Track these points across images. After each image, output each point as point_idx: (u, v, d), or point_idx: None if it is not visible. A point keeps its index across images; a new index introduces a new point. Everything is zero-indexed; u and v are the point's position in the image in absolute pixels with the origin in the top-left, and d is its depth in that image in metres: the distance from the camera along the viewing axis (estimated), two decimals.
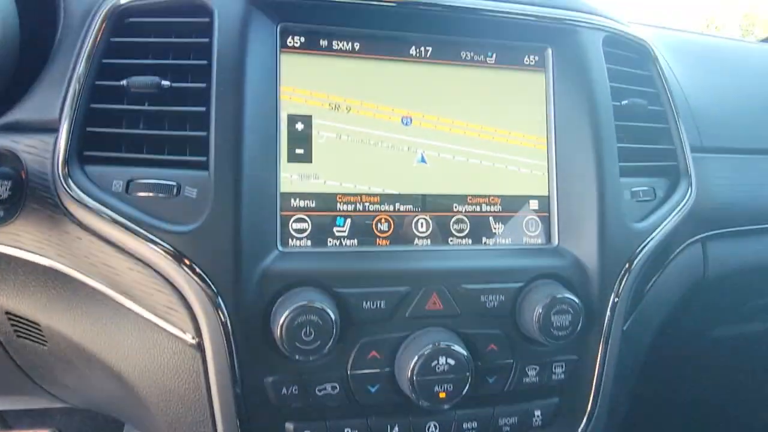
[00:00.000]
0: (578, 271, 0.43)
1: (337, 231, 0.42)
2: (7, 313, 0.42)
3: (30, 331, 0.43)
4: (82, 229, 0.37)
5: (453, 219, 0.44)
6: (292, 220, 0.41)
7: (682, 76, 0.57)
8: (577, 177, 0.45)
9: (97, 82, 0.39)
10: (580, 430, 0.44)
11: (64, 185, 0.37)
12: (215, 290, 0.36)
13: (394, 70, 0.44)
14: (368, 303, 0.39)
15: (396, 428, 0.40)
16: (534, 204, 0.46)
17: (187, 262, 0.36)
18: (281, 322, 0.35)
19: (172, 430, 0.39)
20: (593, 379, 0.44)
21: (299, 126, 0.42)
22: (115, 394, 0.44)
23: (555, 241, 0.45)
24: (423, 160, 0.44)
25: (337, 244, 0.41)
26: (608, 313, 0.44)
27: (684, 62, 0.60)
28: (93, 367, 0.41)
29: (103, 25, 0.39)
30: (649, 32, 0.58)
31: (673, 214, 0.47)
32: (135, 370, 0.39)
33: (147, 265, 0.37)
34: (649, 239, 0.45)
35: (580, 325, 0.41)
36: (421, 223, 0.43)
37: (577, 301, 0.41)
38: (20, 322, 0.43)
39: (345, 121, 0.43)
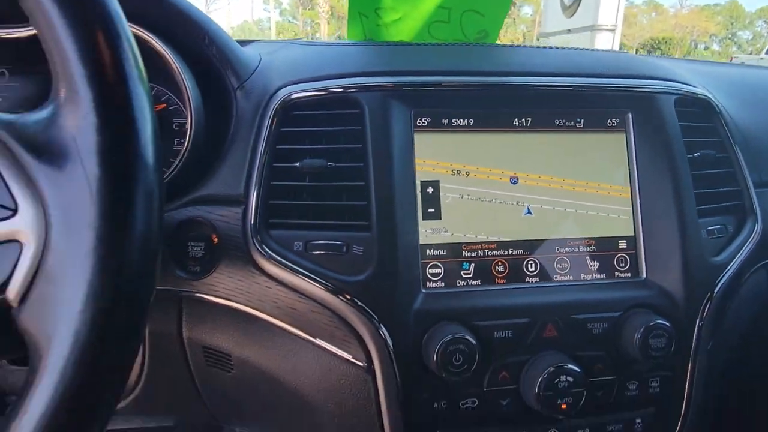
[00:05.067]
0: (667, 301, 0.52)
1: (464, 273, 0.51)
2: (204, 347, 0.53)
3: (220, 360, 0.54)
4: (271, 280, 0.48)
5: (556, 259, 0.53)
6: (428, 266, 0.50)
7: (730, 110, 0.64)
8: (660, 219, 0.53)
9: (275, 164, 0.50)
10: None
11: (257, 246, 0.47)
12: (382, 327, 0.46)
13: (502, 139, 0.54)
14: (498, 333, 0.48)
15: None
16: (623, 243, 0.55)
17: (359, 304, 0.46)
18: (436, 350, 0.45)
19: None
20: (684, 391, 0.52)
21: (430, 190, 0.52)
22: (288, 413, 0.54)
23: (643, 274, 0.54)
24: (529, 212, 0.53)
25: (465, 284, 0.51)
26: (695, 335, 0.52)
27: (727, 95, 0.67)
28: (274, 388, 0.52)
29: (275, 118, 0.50)
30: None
31: (745, 247, 0.55)
32: (314, 389, 0.49)
33: (326, 307, 0.47)
34: (726, 271, 0.53)
35: (673, 346, 0.49)
36: (530, 264, 0.53)
37: (669, 326, 0.49)
38: (213, 354, 0.54)
39: (465, 183, 0.52)
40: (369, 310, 0.46)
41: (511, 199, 0.53)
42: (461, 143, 0.53)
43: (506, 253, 0.52)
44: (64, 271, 0.24)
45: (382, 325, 0.46)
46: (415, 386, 0.47)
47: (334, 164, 0.49)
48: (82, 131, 0.25)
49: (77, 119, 0.25)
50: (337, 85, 0.51)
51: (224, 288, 0.50)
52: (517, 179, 0.54)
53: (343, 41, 0.73)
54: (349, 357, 0.47)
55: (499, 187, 0.53)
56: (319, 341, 0.48)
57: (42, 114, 0.26)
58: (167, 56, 0.49)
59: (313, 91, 0.50)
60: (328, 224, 0.48)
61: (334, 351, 0.48)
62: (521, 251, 0.53)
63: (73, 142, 0.25)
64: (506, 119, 0.54)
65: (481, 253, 0.52)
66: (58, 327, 0.24)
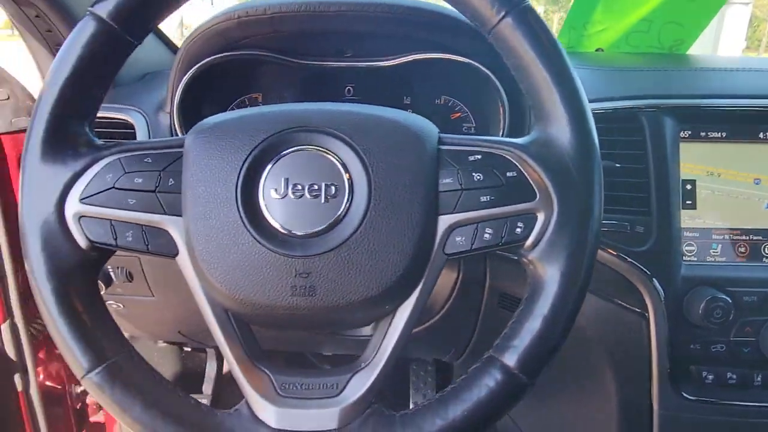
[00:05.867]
0: None
1: (713, 252, 0.67)
2: (501, 293, 0.74)
3: (512, 304, 0.74)
4: None
5: None
6: (685, 244, 0.67)
7: None
8: None
9: None
10: None
11: None
12: (657, 284, 0.64)
13: (748, 148, 0.68)
14: (746, 297, 0.64)
15: (759, 376, 0.65)
16: None
17: (641, 268, 0.64)
18: (702, 305, 0.62)
19: (617, 368, 0.67)
20: None
21: (688, 186, 0.68)
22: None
23: None
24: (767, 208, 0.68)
25: (713, 260, 0.67)
26: None
27: None
28: None
29: None
30: None
31: None
32: (595, 328, 0.68)
33: (612, 268, 0.65)
34: None
35: None
36: (767, 248, 0.67)
37: None
38: (507, 298, 0.74)
39: (716, 182, 0.68)
40: (648, 272, 0.64)
41: (753, 196, 0.68)
42: (715, 150, 0.68)
43: (747, 238, 0.67)
44: (562, 229, 0.44)
45: (657, 283, 0.64)
46: (677, 331, 0.65)
47: (621, 165, 0.67)
48: (566, 148, 0.44)
49: (561, 142, 0.44)
50: (623, 105, 0.67)
51: None
52: (760, 180, 0.68)
53: (606, 64, 0.88)
54: (628, 305, 0.66)
55: (744, 186, 0.68)
56: (604, 292, 0.67)
57: (536, 136, 0.45)
58: (494, 82, 0.69)
59: (603, 109, 0.68)
60: (612, 209, 0.66)
61: (616, 300, 0.66)
62: (760, 237, 0.67)
63: (563, 154, 0.44)
64: (752, 132, 0.68)
65: (727, 237, 0.67)
66: (554, 261, 0.43)
